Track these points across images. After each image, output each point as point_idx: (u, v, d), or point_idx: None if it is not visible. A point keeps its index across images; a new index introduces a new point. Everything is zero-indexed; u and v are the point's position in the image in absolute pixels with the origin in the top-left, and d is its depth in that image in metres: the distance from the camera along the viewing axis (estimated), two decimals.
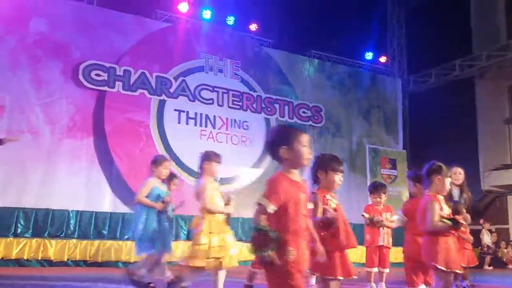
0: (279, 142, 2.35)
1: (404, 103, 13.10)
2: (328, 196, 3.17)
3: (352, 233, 3.09)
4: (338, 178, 3.18)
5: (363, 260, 5.52)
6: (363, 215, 5.17)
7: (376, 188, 5.30)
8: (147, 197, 4.60)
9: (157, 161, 4.77)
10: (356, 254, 9.58)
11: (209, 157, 4.14)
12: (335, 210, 3.11)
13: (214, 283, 3.94)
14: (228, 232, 4.01)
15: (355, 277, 3.01)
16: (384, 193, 5.27)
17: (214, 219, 3.97)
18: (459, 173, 5.19)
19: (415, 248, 3.54)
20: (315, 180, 3.23)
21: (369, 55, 12.84)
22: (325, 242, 2.87)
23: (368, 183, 11.37)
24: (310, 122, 11.33)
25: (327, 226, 3.02)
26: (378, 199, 5.21)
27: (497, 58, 11.78)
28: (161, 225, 4.66)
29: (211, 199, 4.00)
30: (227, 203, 4.09)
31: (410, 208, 3.84)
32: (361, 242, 5.49)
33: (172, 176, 5.20)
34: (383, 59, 13.11)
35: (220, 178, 9.77)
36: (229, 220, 4.11)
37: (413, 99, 13.26)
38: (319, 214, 3.07)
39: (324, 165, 3.19)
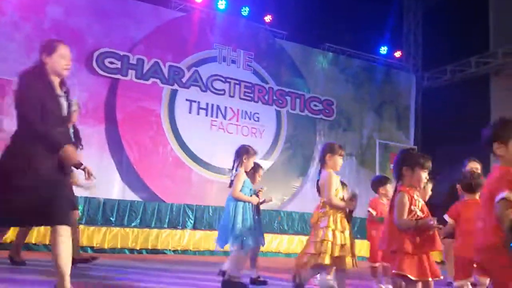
0: (494, 137, 2.25)
1: (417, 99, 12.98)
2: (415, 196, 3.01)
3: (436, 236, 2.97)
4: (425, 175, 3.06)
5: (367, 255, 5.53)
6: (369, 211, 5.17)
7: (381, 181, 5.19)
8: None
9: (249, 153, 4.63)
10: (360, 248, 9.63)
11: (333, 149, 3.98)
12: (421, 211, 2.99)
13: (339, 282, 3.80)
14: (349, 230, 3.86)
15: (441, 277, 2.97)
16: (390, 184, 5.08)
17: (339, 215, 3.83)
18: (475, 168, 4.93)
19: None
20: (399, 176, 3.10)
21: (384, 50, 12.74)
22: (414, 244, 2.86)
23: None
24: (321, 116, 11.32)
25: (422, 230, 2.88)
26: (385, 192, 5.06)
27: None
28: (254, 218, 4.58)
29: (336, 194, 3.85)
30: (351, 200, 3.92)
31: None
32: (365, 236, 5.53)
33: (258, 167, 5.05)
34: (398, 54, 12.99)
35: (229, 169, 9.87)
36: (351, 218, 3.93)
37: (427, 95, 13.12)
38: (405, 216, 2.94)
39: (411, 161, 3.07)
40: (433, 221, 2.84)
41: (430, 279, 2.90)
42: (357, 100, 11.95)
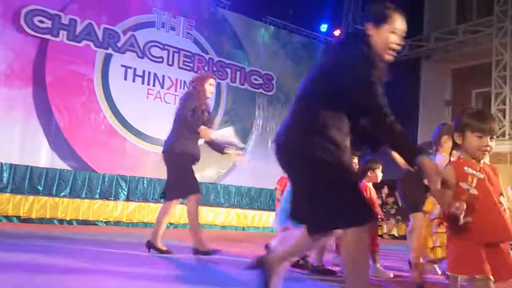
0: None
1: None
2: (468, 169, 2.15)
3: (505, 222, 2.07)
4: (481, 141, 2.15)
5: None
6: None
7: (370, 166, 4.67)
8: None
9: None
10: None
11: (451, 131, 3.35)
12: (478, 187, 2.11)
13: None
14: None
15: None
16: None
17: None
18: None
19: None
20: (454, 145, 2.33)
21: (324, 27, 12.84)
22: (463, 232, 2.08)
23: None
24: (261, 90, 11.28)
25: (451, 219, 2.13)
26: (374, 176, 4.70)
27: (444, 41, 12.13)
28: None
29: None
30: None
31: None
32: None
33: None
34: (337, 32, 13.15)
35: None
36: None
37: None
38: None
39: (460, 124, 2.24)
40: (459, 210, 2.04)
41: (477, 276, 2.02)
42: (296, 76, 11.97)
